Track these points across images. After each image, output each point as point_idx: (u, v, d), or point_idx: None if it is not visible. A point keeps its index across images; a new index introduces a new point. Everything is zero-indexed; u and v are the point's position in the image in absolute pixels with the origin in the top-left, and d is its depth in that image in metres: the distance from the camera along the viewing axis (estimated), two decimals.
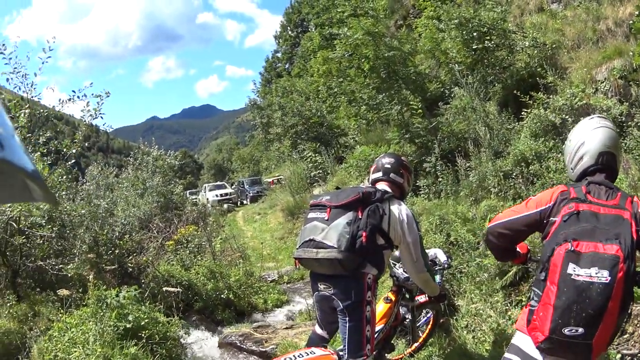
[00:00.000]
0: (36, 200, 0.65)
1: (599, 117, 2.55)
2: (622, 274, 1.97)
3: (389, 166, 3.43)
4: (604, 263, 1.98)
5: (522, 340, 2.30)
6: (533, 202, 2.41)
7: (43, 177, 0.53)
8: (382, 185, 3.37)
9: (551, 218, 2.26)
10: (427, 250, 4.62)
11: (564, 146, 2.67)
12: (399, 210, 3.12)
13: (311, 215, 3.15)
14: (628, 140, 6.07)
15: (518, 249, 2.69)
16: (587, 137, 2.42)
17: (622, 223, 2.10)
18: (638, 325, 4.06)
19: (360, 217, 2.96)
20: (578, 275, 2.01)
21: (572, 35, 8.41)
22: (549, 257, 2.12)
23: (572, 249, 2.04)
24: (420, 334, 4.78)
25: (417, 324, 4.69)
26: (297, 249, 3.13)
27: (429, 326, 4.82)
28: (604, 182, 2.29)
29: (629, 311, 2.19)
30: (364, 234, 2.90)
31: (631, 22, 6.83)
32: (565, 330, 2.03)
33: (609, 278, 1.97)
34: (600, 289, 1.97)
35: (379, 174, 3.44)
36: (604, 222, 2.11)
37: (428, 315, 4.87)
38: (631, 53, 6.71)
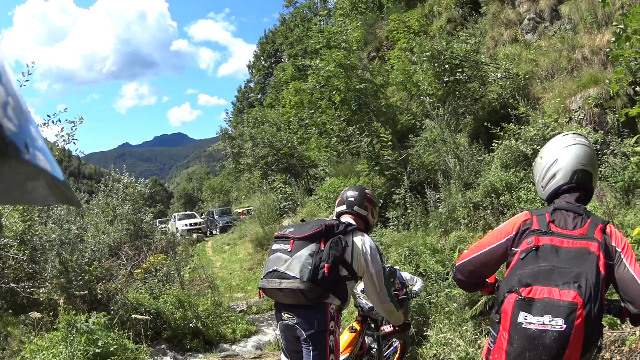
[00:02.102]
0: (58, 204, 0.67)
1: (574, 133, 2.40)
2: (580, 320, 1.83)
3: (352, 199, 3.49)
4: (558, 311, 1.85)
5: None
6: (497, 233, 2.29)
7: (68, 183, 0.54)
8: (347, 218, 3.42)
9: (514, 249, 2.14)
10: (408, 276, 4.77)
11: (534, 164, 2.53)
12: (363, 242, 3.18)
13: (275, 246, 3.21)
14: (604, 168, 6.14)
15: (486, 280, 2.58)
16: (561, 155, 2.28)
17: (587, 259, 1.95)
18: (615, 351, 4.08)
19: (323, 249, 3.03)
20: (530, 323, 1.88)
21: (546, 65, 8.55)
22: (501, 302, 2.01)
23: (523, 297, 1.92)
24: None
25: (385, 354, 4.71)
26: (261, 279, 3.19)
27: (397, 356, 4.87)
28: (572, 207, 2.16)
29: (599, 345, 2.06)
30: (326, 265, 2.97)
31: (609, 49, 6.58)
32: None
33: (565, 326, 1.83)
34: (554, 337, 1.83)
35: (344, 207, 3.50)
36: (565, 259, 1.97)
37: (395, 345, 4.92)
38: (608, 81, 6.75)
